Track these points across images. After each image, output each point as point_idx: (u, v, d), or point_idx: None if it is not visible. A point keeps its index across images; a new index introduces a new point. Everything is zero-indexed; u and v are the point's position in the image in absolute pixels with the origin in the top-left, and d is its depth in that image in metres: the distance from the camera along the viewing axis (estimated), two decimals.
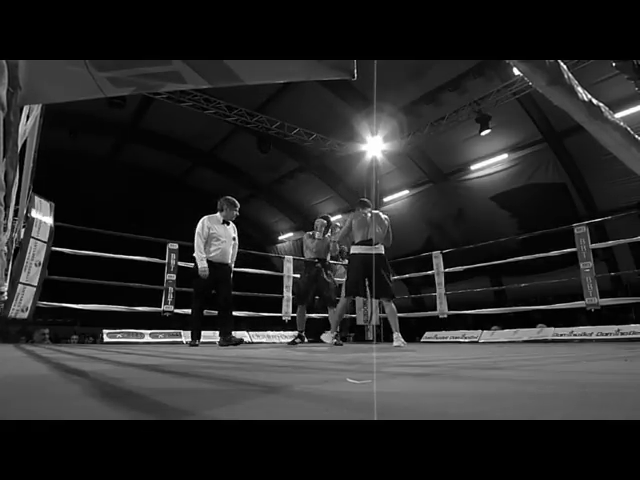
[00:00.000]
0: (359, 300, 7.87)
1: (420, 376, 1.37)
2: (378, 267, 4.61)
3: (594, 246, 5.62)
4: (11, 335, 7.37)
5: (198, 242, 4.79)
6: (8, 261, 3.90)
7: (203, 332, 6.03)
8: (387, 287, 4.62)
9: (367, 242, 4.69)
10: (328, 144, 11.32)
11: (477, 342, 7.05)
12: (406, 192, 13.07)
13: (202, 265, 4.67)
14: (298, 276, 6.36)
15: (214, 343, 6.32)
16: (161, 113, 11.35)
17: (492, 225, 11.16)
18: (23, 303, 4.59)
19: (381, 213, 5.02)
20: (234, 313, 6.66)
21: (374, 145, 10.99)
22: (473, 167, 11.56)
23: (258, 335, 7.07)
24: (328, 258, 5.89)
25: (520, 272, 9.92)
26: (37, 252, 4.74)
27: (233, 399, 0.83)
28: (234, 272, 6.92)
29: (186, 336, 6.30)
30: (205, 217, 4.97)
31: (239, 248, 5.85)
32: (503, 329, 7.55)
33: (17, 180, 1.86)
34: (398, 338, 4.28)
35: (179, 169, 15.33)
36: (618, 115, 1.39)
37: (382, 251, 4.75)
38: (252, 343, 6.88)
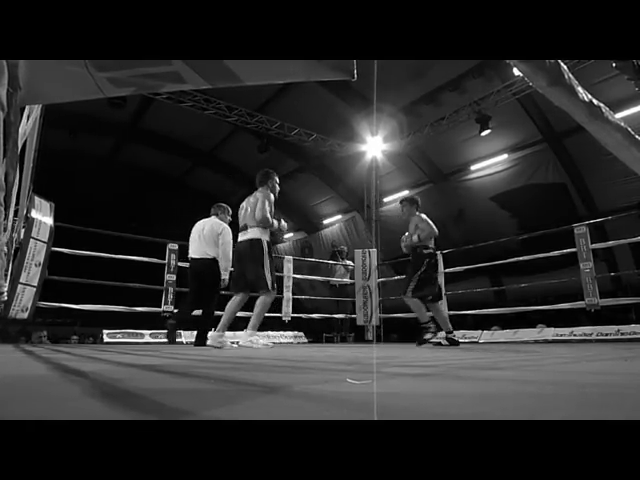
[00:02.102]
0: (359, 300, 7.87)
1: (420, 376, 1.37)
2: (242, 257, 4.08)
3: (594, 246, 5.62)
4: (11, 335, 7.37)
5: None
6: (8, 261, 3.91)
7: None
8: (258, 279, 3.96)
9: (241, 229, 4.19)
10: (328, 144, 11.32)
11: (477, 342, 7.05)
12: (406, 192, 13.07)
13: None
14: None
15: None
16: (161, 113, 11.36)
17: (492, 225, 11.16)
18: (23, 303, 4.59)
19: (263, 190, 4.20)
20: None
21: (374, 145, 11.00)
22: (473, 167, 11.57)
23: (258, 335, 7.05)
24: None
25: (520, 272, 9.92)
26: (37, 252, 4.74)
27: (232, 399, 0.83)
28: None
29: (186, 336, 6.30)
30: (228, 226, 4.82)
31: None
32: (503, 329, 7.56)
33: (17, 180, 1.87)
34: (250, 334, 3.91)
35: (179, 169, 15.34)
36: (618, 115, 1.39)
37: (249, 236, 4.04)
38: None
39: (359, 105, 10.47)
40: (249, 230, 4.09)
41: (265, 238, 4.05)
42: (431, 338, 4.63)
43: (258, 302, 4.04)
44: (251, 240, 4.03)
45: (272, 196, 4.20)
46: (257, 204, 4.06)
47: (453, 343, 4.57)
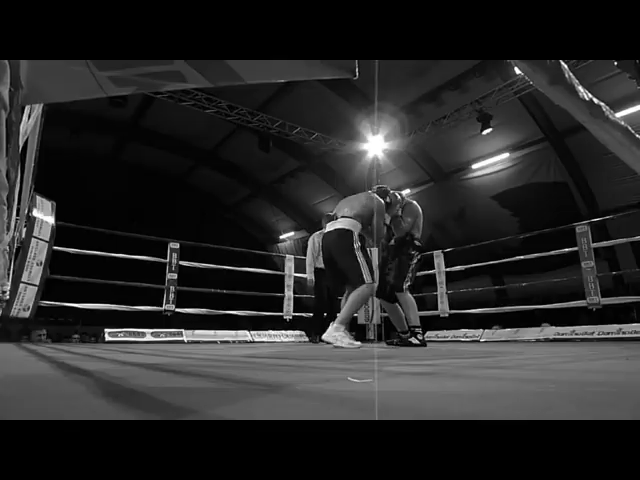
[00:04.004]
0: None
1: (421, 375, 1.37)
2: (330, 247, 3.74)
3: (595, 245, 5.62)
4: (13, 334, 7.39)
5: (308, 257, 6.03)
6: (10, 260, 3.92)
7: (200, 331, 6.14)
8: (349, 272, 3.62)
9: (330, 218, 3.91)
10: (329, 143, 11.32)
11: (478, 341, 7.04)
12: (407, 191, 13.05)
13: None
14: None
15: (214, 342, 6.34)
16: (162, 112, 11.36)
17: (493, 224, 11.16)
18: (25, 302, 4.60)
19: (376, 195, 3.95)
20: (235, 312, 6.70)
21: (375, 144, 10.99)
22: (474, 166, 11.56)
23: (260, 334, 7.08)
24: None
25: (521, 271, 9.92)
26: (39, 251, 4.75)
27: (235, 398, 0.83)
28: (237, 272, 7.01)
29: (187, 335, 6.30)
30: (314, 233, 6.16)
31: (243, 248, 6.14)
32: (504, 328, 7.55)
33: (19, 179, 1.87)
34: (336, 329, 3.44)
35: (180, 168, 15.35)
36: (619, 114, 1.39)
37: (341, 225, 3.70)
38: (254, 342, 6.89)
39: (360, 104, 10.46)
40: (339, 220, 3.77)
41: (356, 230, 3.70)
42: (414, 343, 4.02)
43: (353, 292, 3.58)
44: (338, 230, 3.70)
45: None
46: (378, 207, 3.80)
47: (405, 344, 4.17)
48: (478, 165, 11.48)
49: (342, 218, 3.77)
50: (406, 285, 4.01)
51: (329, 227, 3.86)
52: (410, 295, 4.03)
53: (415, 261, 4.10)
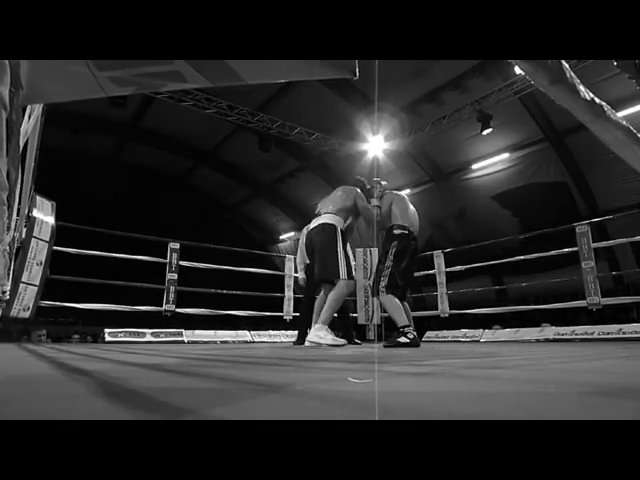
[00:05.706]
0: (360, 299, 7.85)
1: (421, 375, 1.37)
2: (313, 241, 3.86)
3: (595, 245, 5.62)
4: (13, 334, 7.39)
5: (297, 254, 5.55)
6: (10, 260, 3.91)
7: (200, 331, 6.13)
8: (326, 267, 3.68)
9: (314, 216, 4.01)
10: (329, 143, 11.33)
11: (478, 341, 7.05)
12: (407, 191, 13.07)
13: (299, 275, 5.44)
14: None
15: (215, 342, 6.35)
16: (162, 113, 11.37)
17: (493, 224, 11.18)
18: (25, 302, 4.60)
19: (352, 189, 4.07)
20: (235, 312, 6.70)
21: (375, 144, 11.00)
22: (474, 166, 11.57)
23: (260, 335, 7.08)
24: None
25: (522, 271, 9.93)
26: (39, 251, 4.75)
27: (235, 398, 0.83)
28: (237, 272, 6.97)
29: (187, 335, 6.31)
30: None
31: (243, 248, 6.02)
32: (504, 328, 7.55)
33: (19, 180, 1.87)
34: (318, 329, 3.49)
35: (180, 168, 15.37)
36: (619, 114, 1.39)
37: (324, 220, 3.84)
38: (254, 342, 6.90)
39: (360, 104, 10.47)
40: (322, 215, 3.91)
41: (339, 225, 3.83)
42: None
43: (331, 292, 3.66)
44: (322, 225, 3.83)
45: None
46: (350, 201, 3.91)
47: (395, 344, 3.89)
48: (478, 165, 11.50)
49: (325, 214, 3.92)
50: (382, 286, 3.66)
51: (313, 223, 3.99)
52: (389, 296, 3.64)
53: (393, 252, 3.74)
